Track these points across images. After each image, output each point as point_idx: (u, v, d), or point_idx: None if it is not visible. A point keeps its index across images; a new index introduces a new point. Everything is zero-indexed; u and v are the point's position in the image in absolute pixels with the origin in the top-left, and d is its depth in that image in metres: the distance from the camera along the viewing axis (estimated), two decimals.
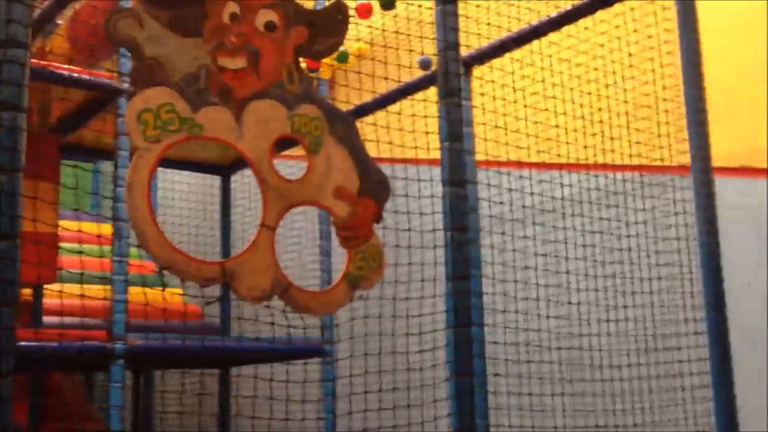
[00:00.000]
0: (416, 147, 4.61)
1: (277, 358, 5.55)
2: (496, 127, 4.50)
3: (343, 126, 2.53)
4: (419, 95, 4.88)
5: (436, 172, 5.03)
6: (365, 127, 5.26)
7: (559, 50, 4.42)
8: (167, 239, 2.16)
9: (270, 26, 2.43)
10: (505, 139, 4.55)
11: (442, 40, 2.84)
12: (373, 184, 2.55)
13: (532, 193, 4.39)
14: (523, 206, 4.70)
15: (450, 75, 2.83)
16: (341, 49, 5.12)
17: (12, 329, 1.93)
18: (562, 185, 4.62)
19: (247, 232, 5.96)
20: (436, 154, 4.86)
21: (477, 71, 4.67)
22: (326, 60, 4.87)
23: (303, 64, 2.54)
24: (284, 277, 2.34)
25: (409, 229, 4.20)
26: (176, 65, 2.25)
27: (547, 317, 4.43)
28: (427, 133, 4.64)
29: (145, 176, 2.15)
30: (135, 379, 6.46)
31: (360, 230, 2.50)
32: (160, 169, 5.37)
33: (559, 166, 4.73)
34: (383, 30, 4.62)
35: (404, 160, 5.04)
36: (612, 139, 4.29)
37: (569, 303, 4.25)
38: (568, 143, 4.35)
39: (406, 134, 4.80)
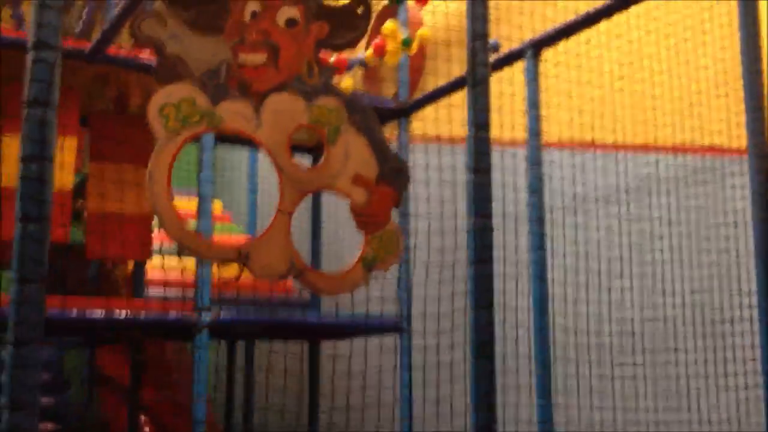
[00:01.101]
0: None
1: (357, 333, 5.75)
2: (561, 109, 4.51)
3: (363, 116, 2.65)
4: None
5: (510, 153, 5.09)
6: (440, 109, 5.37)
7: (629, 29, 4.37)
8: (184, 223, 2.35)
9: (291, 22, 2.56)
10: (578, 120, 4.56)
11: (471, 30, 2.90)
12: (392, 172, 2.66)
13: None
14: (596, 188, 4.68)
15: (478, 65, 2.89)
16: (405, 35, 5.23)
17: (42, 303, 2.15)
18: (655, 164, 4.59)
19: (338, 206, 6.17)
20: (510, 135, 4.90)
21: (546, 54, 4.67)
22: (391, 46, 4.98)
23: (330, 58, 2.66)
24: (300, 260, 2.49)
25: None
26: (198, 61, 2.43)
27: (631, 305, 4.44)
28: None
29: (165, 165, 2.34)
30: (229, 349, 6.80)
31: (376, 216, 2.62)
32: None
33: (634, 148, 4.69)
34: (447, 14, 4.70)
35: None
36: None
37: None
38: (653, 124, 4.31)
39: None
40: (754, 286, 3.37)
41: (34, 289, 2.16)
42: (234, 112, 2.45)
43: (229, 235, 7.23)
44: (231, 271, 2.46)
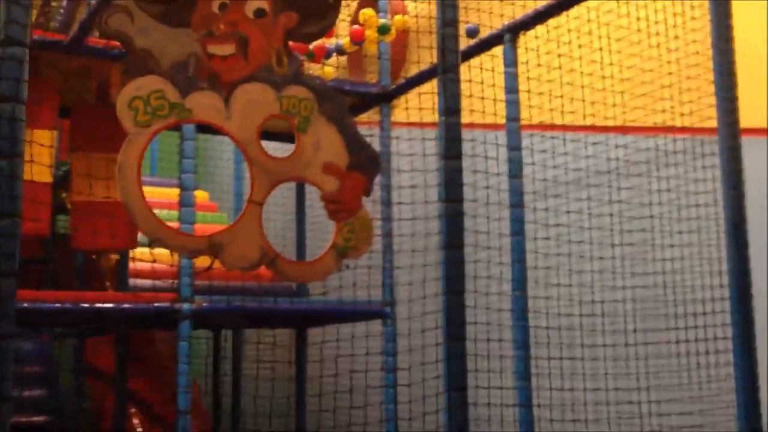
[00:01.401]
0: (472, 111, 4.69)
1: (341, 320, 5.80)
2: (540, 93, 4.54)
3: (333, 105, 2.67)
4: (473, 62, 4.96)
5: (491, 136, 5.11)
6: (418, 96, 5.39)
7: (599, 14, 4.40)
8: (155, 215, 2.38)
9: (259, 13, 2.59)
10: (550, 104, 4.59)
11: (441, 17, 2.92)
12: (363, 160, 2.69)
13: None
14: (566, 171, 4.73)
15: (447, 51, 2.92)
16: (384, 21, 5.25)
17: (12, 297, 2.18)
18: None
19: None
20: (490, 119, 4.93)
21: (523, 39, 4.70)
22: (368, 32, 4.99)
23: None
24: (271, 249, 2.53)
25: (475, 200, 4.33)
26: (166, 55, 2.45)
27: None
28: (482, 98, 4.75)
29: (135, 158, 2.37)
30: (215, 338, 6.85)
31: (347, 203, 2.65)
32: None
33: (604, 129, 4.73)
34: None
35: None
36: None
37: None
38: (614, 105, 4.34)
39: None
40: (725, 266, 3.43)
41: (6, 283, 2.19)
42: (203, 104, 2.48)
43: (217, 225, 7.27)
44: (204, 261, 2.49)
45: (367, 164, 2.70)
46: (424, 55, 5.48)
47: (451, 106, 2.91)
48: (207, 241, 2.45)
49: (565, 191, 4.78)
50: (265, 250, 2.51)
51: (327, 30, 2.73)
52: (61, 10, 5.39)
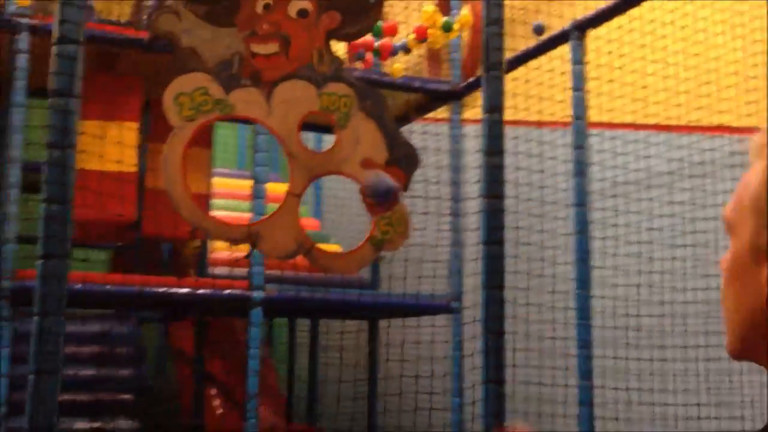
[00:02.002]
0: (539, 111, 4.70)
1: (410, 313, 5.88)
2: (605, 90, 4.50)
3: (373, 101, 2.75)
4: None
5: (553, 135, 5.09)
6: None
7: (662, 14, 4.33)
8: (197, 205, 2.52)
9: (302, 13, 2.69)
10: (621, 102, 4.55)
11: (486, 16, 2.96)
12: (401, 155, 2.76)
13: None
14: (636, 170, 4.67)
15: (492, 49, 2.95)
16: (445, 19, 5.29)
17: (63, 278, 2.34)
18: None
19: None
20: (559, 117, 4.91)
21: (592, 34, 4.66)
22: (431, 30, 5.04)
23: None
24: (307, 239, 2.63)
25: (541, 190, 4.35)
26: (211, 53, 2.58)
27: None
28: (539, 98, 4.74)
29: (179, 151, 2.51)
30: (290, 326, 7.03)
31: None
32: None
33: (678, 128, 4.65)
34: None
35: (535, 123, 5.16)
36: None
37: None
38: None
39: (526, 99, 4.91)
40: None
41: (57, 264, 2.36)
42: (245, 100, 2.59)
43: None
44: (243, 249, 2.61)
45: (405, 160, 2.77)
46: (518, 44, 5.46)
47: (494, 103, 2.95)
48: (246, 230, 2.57)
49: (630, 191, 4.73)
50: (301, 240, 2.61)
51: (368, 30, 2.82)
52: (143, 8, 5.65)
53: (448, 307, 5.49)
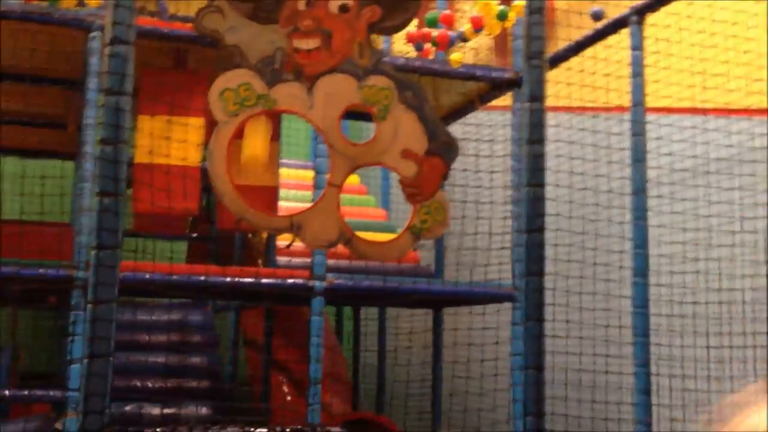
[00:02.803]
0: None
1: (473, 302, 5.91)
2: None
3: (413, 93, 2.81)
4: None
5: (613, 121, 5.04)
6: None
7: None
8: (240, 196, 2.62)
9: (343, 8, 2.76)
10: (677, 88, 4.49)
11: (528, 5, 2.98)
12: (441, 146, 2.81)
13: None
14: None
15: (533, 38, 2.97)
16: (501, 8, 5.27)
17: (114, 267, 2.47)
18: None
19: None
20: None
21: (651, 19, 4.61)
22: (487, 19, 5.04)
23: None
24: (348, 229, 2.71)
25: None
26: (254, 49, 2.68)
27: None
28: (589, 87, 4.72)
29: (224, 145, 2.61)
30: (355, 314, 7.14)
31: (424, 187, 2.78)
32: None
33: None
34: None
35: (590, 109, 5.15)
36: None
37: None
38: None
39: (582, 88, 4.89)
40: None
41: (109, 255, 2.49)
42: (288, 95, 2.68)
43: (365, 208, 7.56)
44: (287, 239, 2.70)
45: (445, 150, 2.82)
46: (572, 34, 5.44)
47: (535, 92, 2.97)
48: (288, 221, 2.67)
49: (686, 177, 4.66)
50: (342, 229, 2.69)
51: (408, 23, 2.87)
52: None
53: (510, 295, 5.50)
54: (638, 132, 4.56)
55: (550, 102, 4.70)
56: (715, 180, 4.39)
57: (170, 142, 5.19)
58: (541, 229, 2.90)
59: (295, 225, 2.65)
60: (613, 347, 4.52)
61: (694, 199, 4.42)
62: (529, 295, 2.88)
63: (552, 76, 5.52)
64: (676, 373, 4.27)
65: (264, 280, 5.19)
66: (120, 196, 2.51)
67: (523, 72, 2.98)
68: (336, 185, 2.72)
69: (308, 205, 5.80)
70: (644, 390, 4.32)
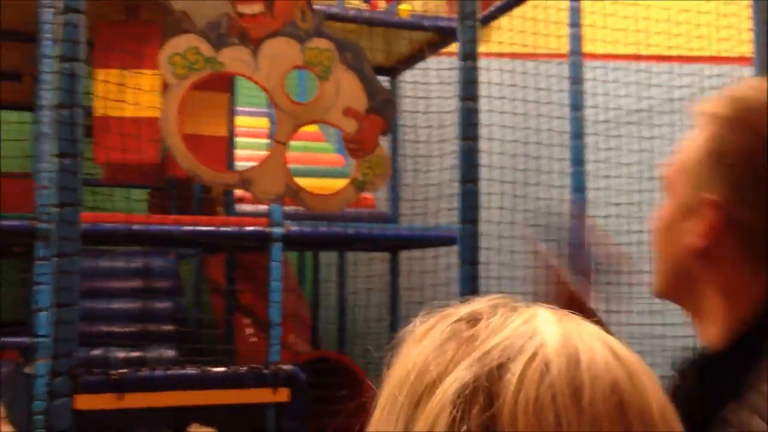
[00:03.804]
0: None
1: (423, 245, 6.16)
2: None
3: (353, 54, 2.99)
4: None
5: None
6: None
7: None
8: (191, 154, 2.81)
9: None
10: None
11: None
12: (380, 103, 3.01)
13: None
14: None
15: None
16: None
17: (76, 222, 2.66)
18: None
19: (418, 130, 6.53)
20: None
21: None
22: None
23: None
24: (294, 183, 2.91)
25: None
26: (201, 15, 2.83)
27: None
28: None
29: (175, 106, 2.79)
30: (314, 259, 7.39)
31: (365, 143, 2.99)
32: None
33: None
34: None
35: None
36: None
37: None
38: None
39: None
40: None
41: (71, 212, 2.68)
42: (234, 58, 2.86)
43: (323, 154, 7.75)
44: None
45: (384, 107, 3.02)
46: None
47: (468, 51, 3.16)
48: (239, 176, 2.86)
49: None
50: (289, 183, 2.90)
51: None
52: None
53: (453, 239, 5.74)
54: (577, 80, 4.79)
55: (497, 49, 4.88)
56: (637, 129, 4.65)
57: (128, 94, 5.31)
58: (474, 180, 3.12)
59: (245, 180, 2.85)
60: None
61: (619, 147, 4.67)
62: (464, 240, 3.12)
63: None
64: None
65: (223, 229, 5.39)
66: (78, 156, 2.69)
67: (458, 31, 3.16)
68: (282, 142, 2.92)
69: (263, 153, 6.01)
70: None
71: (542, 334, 0.47)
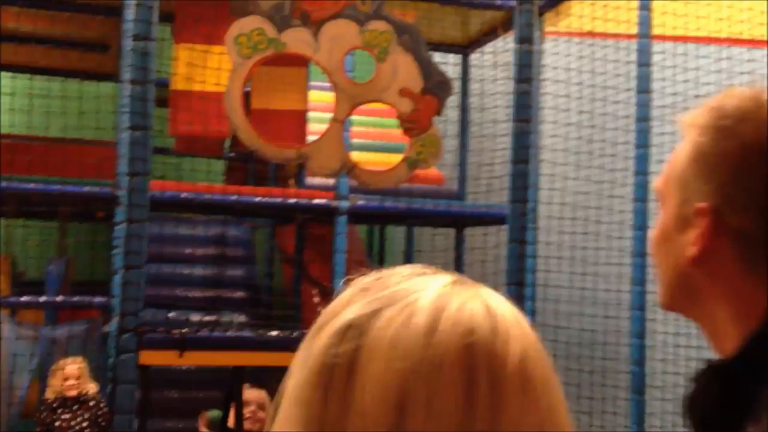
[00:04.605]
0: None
1: (488, 222, 6.25)
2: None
3: (410, 36, 3.10)
4: None
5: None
6: None
7: None
8: (254, 130, 2.97)
9: None
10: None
11: None
12: (435, 84, 3.12)
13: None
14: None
15: None
16: None
17: (145, 190, 2.86)
18: None
19: (487, 110, 6.59)
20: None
21: None
22: None
23: None
24: (350, 159, 3.05)
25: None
26: None
27: None
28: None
29: (240, 84, 2.95)
30: (381, 233, 7.54)
31: (419, 122, 3.10)
32: None
33: None
34: None
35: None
36: None
37: None
38: None
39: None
40: None
41: (141, 180, 2.88)
42: (296, 39, 3.00)
43: (390, 129, 7.88)
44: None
45: (439, 88, 3.12)
46: None
47: (524, 35, 3.24)
48: (296, 152, 3.02)
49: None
50: (344, 160, 3.04)
51: None
52: None
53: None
54: (644, 63, 4.78)
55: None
56: None
57: (205, 69, 5.51)
58: (525, 161, 3.21)
59: (302, 155, 3.01)
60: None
61: None
62: (513, 219, 3.21)
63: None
64: None
65: (291, 200, 5.58)
66: (149, 129, 2.88)
67: (514, 15, 3.23)
68: (339, 120, 3.05)
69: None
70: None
71: (422, 292, 0.59)
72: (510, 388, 0.56)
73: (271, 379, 4.13)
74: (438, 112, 3.13)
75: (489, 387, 0.56)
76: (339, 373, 0.58)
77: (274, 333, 2.95)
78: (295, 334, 2.86)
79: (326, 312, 0.62)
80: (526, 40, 3.22)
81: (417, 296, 0.59)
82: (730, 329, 0.93)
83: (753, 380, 0.88)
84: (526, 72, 3.21)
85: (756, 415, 0.85)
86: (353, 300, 0.60)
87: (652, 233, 1.03)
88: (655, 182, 1.03)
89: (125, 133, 5.33)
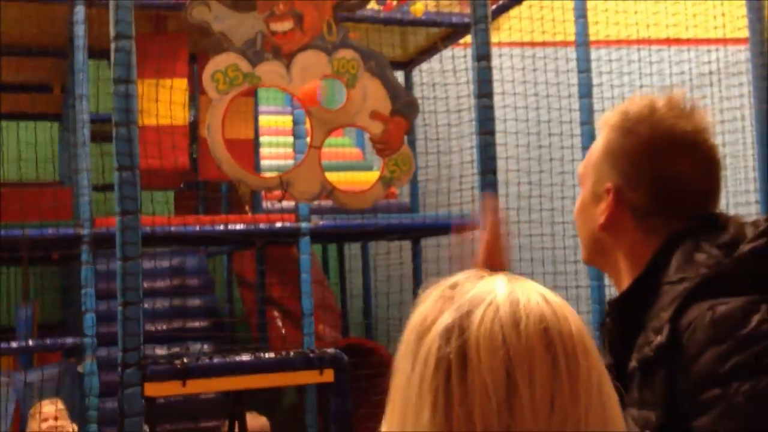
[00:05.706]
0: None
1: (442, 232, 6.44)
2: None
3: (376, 62, 3.27)
4: None
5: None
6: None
7: None
8: (235, 161, 3.09)
9: None
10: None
11: None
12: (403, 105, 3.29)
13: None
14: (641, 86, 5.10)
15: (477, 5, 3.42)
16: None
17: (136, 228, 2.95)
18: None
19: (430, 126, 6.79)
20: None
21: None
22: None
23: None
24: (329, 183, 3.20)
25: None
26: (238, 35, 3.12)
27: None
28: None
29: (219, 118, 3.07)
30: (339, 250, 7.68)
31: (391, 143, 3.27)
32: None
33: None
34: None
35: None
36: None
37: None
38: None
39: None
40: None
41: (132, 219, 2.97)
42: (270, 72, 3.14)
43: (343, 149, 8.03)
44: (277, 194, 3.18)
45: (407, 108, 3.29)
46: None
47: (482, 53, 3.43)
48: (278, 180, 3.15)
49: None
50: (324, 184, 3.18)
51: (368, 1, 3.30)
52: None
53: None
54: (584, 69, 5.05)
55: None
56: None
57: (157, 103, 5.60)
58: (493, 171, 3.40)
59: (284, 182, 3.14)
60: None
61: None
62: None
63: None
64: None
65: (255, 226, 5.68)
66: (135, 168, 2.98)
67: (471, 33, 3.42)
68: (316, 147, 3.20)
69: (287, 150, 6.28)
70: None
71: (496, 291, 0.77)
72: (578, 354, 0.75)
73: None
74: (407, 132, 3.30)
75: (565, 357, 0.75)
76: (455, 365, 0.75)
77: (270, 355, 3.07)
78: (291, 354, 2.99)
79: (419, 321, 0.79)
80: (484, 58, 3.42)
81: (492, 297, 0.77)
82: (627, 277, 1.25)
83: (638, 305, 1.18)
84: (486, 87, 3.41)
85: (645, 328, 1.15)
86: (444, 308, 0.78)
87: (575, 206, 1.34)
88: (578, 168, 1.34)
89: (83, 172, 5.40)
